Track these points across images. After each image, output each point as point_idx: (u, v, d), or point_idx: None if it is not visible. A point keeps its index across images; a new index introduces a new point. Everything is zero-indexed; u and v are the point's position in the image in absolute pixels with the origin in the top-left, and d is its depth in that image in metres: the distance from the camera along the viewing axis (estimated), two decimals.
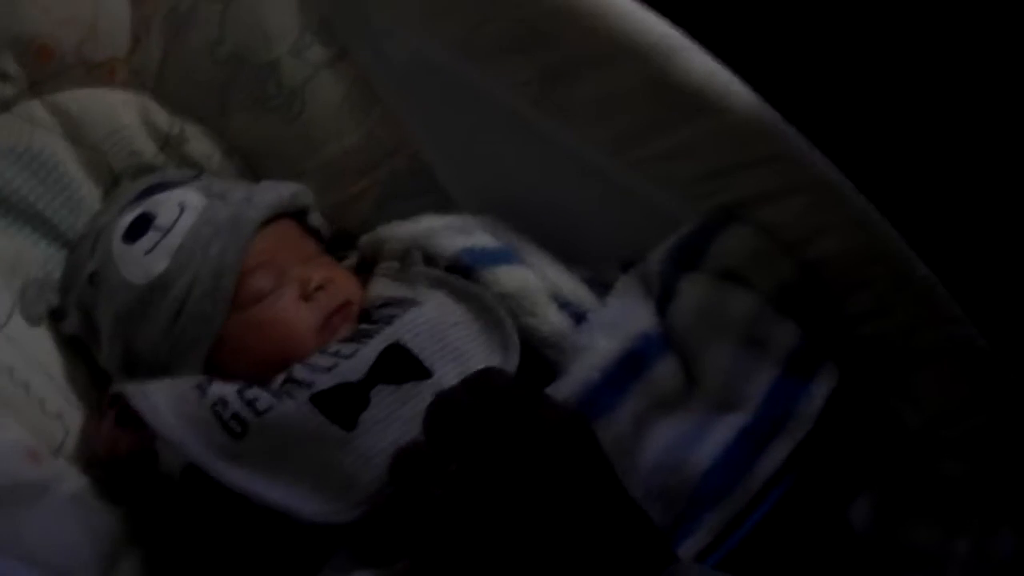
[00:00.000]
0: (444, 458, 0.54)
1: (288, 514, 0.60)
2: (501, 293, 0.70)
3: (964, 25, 0.75)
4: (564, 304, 0.71)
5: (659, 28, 0.67)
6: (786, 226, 0.67)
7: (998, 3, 0.73)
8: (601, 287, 0.73)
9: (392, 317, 0.69)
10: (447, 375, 0.65)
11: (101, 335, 0.73)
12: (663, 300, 0.69)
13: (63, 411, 0.72)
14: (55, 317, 0.76)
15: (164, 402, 0.66)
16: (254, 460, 0.62)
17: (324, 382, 0.64)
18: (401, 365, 0.65)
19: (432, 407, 0.55)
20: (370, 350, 0.66)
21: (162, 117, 0.81)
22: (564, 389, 0.64)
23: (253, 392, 0.65)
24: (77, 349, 0.76)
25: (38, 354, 0.74)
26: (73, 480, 0.68)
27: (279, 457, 0.63)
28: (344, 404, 0.64)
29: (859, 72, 0.80)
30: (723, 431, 0.63)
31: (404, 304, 0.70)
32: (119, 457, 0.67)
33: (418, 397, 0.63)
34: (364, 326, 0.70)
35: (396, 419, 0.62)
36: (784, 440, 0.64)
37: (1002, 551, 0.64)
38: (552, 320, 0.69)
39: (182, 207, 0.73)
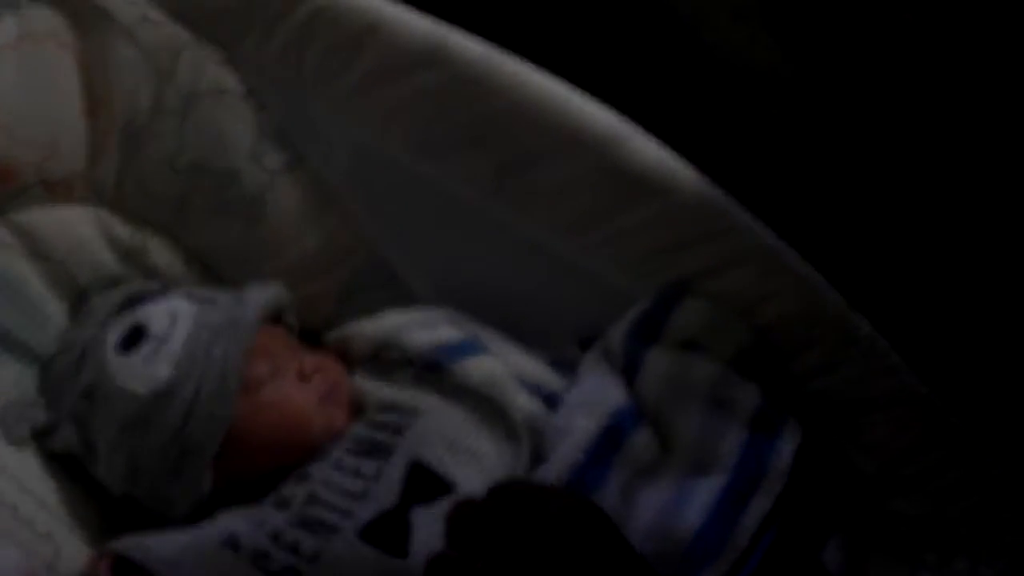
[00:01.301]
0: (470, 559, 0.56)
1: None
2: (472, 384, 0.73)
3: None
4: (532, 388, 0.74)
5: (608, 119, 0.72)
6: (737, 295, 0.71)
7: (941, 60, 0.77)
8: (563, 367, 0.76)
9: (401, 427, 0.72)
10: (469, 480, 0.68)
11: (99, 448, 0.74)
12: (629, 373, 0.72)
13: (52, 530, 0.72)
14: (42, 435, 0.76)
15: (186, 560, 0.67)
16: None
17: (364, 512, 0.67)
18: (427, 484, 0.69)
19: (451, 514, 0.57)
20: (394, 470, 0.69)
21: (122, 229, 0.83)
22: (552, 472, 0.67)
23: (290, 535, 0.67)
24: (61, 464, 0.76)
25: (22, 476, 0.74)
26: None
27: None
28: (391, 533, 0.67)
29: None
30: (706, 492, 0.66)
31: (405, 413, 0.73)
32: None
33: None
34: (370, 432, 0.73)
35: (438, 538, 0.64)
36: (763, 495, 0.67)
37: None
38: (522, 406, 0.72)
39: (173, 315, 0.75)
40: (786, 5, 0.82)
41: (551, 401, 0.73)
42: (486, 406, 0.73)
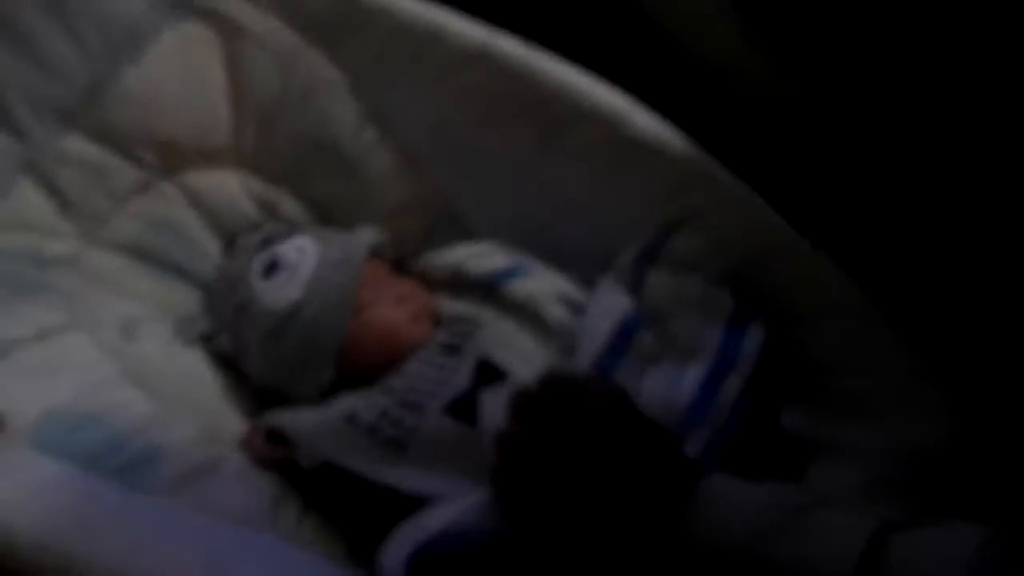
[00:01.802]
0: (531, 434, 0.65)
1: (440, 495, 0.71)
2: (521, 300, 0.83)
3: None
4: (563, 300, 0.83)
5: (616, 97, 0.83)
6: (717, 228, 0.81)
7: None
8: (587, 284, 0.85)
9: (470, 334, 0.82)
10: (520, 370, 0.78)
11: (248, 350, 0.85)
12: (636, 288, 0.81)
13: (218, 407, 0.85)
14: (206, 340, 0.88)
15: (319, 431, 0.77)
16: (415, 464, 0.74)
17: (445, 394, 0.77)
18: (490, 373, 0.79)
19: (512, 399, 0.68)
20: (465, 364, 0.79)
21: (259, 187, 0.93)
22: (581, 362, 0.77)
23: (394, 413, 0.76)
24: (222, 362, 0.88)
25: (194, 368, 0.86)
26: (235, 457, 0.79)
27: (434, 458, 0.74)
28: (465, 409, 0.76)
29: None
30: (694, 374, 0.76)
31: (472, 323, 0.83)
32: (269, 462, 0.80)
33: (507, 391, 0.74)
34: (448, 338, 0.83)
35: (501, 408, 0.72)
36: (737, 376, 0.77)
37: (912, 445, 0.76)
38: (556, 314, 0.82)
39: (302, 251, 0.85)
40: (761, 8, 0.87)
41: (578, 309, 0.82)
42: (529, 316, 0.82)
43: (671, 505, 0.63)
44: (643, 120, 0.83)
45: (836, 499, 0.65)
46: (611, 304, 0.81)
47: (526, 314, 0.83)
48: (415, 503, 0.74)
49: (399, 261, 0.93)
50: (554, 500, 0.65)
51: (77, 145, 0.86)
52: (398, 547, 0.69)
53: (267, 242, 0.88)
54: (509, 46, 0.85)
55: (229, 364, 0.88)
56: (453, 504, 0.72)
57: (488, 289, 0.86)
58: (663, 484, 0.64)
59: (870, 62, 0.81)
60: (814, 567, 0.60)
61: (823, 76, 0.87)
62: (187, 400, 0.83)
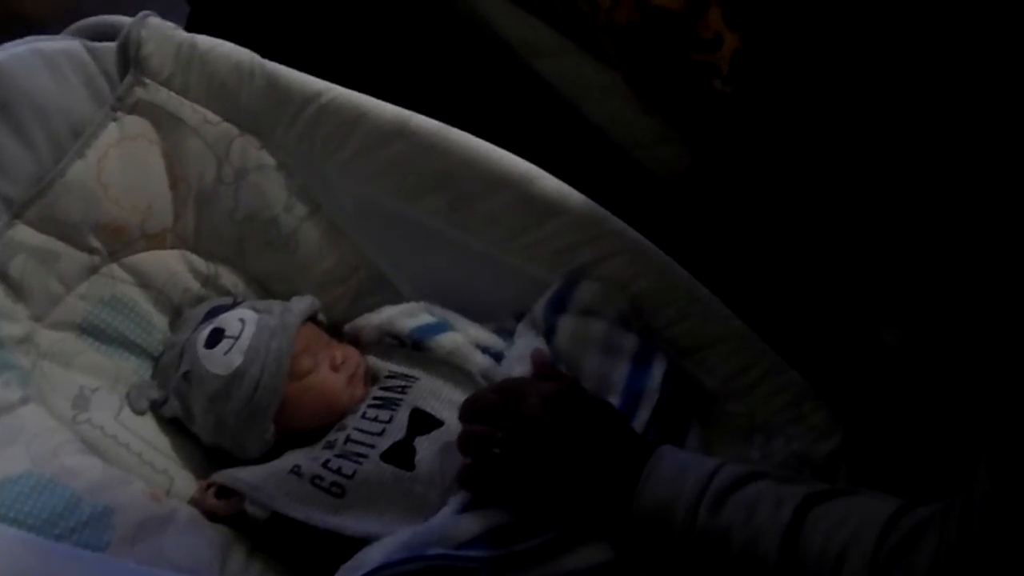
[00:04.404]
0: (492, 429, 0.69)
1: (379, 537, 0.74)
2: (445, 352, 0.86)
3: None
4: (484, 350, 0.87)
5: (522, 163, 0.87)
6: (615, 276, 0.86)
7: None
8: (505, 333, 0.89)
9: (403, 388, 0.85)
10: (452, 419, 0.80)
11: (195, 413, 0.87)
12: (548, 334, 0.86)
13: (167, 467, 0.87)
14: (157, 406, 0.89)
15: (267, 484, 0.79)
16: (356, 508, 0.77)
17: (383, 443, 0.80)
18: (424, 422, 0.82)
19: (466, 402, 0.73)
20: (401, 415, 0.82)
21: (200, 263, 0.96)
22: None
23: (335, 463, 0.79)
24: (172, 426, 0.89)
25: (144, 433, 0.88)
26: (185, 510, 0.81)
27: (372, 501, 0.77)
28: (402, 455, 0.80)
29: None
30: None
31: (405, 379, 0.86)
32: (219, 516, 0.82)
33: (441, 437, 0.80)
34: (384, 393, 0.85)
35: (435, 454, 0.77)
36: (644, 407, 0.81)
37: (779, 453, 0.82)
38: (478, 362, 0.86)
39: (242, 321, 0.87)
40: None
41: (498, 357, 0.86)
42: (455, 367, 0.85)
43: (626, 476, 0.67)
44: (546, 183, 0.87)
45: (770, 471, 0.69)
46: (525, 351, 0.84)
47: (452, 366, 0.86)
48: (357, 543, 0.76)
49: (334, 325, 0.96)
50: (522, 482, 0.69)
51: (26, 235, 0.87)
52: None
53: (211, 314, 0.91)
54: (423, 122, 0.88)
55: (179, 428, 0.90)
56: (387, 540, 0.75)
57: (416, 345, 0.88)
58: (618, 457, 0.68)
59: (749, 138, 0.89)
60: (748, 536, 0.65)
61: (702, 142, 0.95)
62: (139, 462, 0.85)
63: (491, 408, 0.73)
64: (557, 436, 0.70)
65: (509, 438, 0.71)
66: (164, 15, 0.92)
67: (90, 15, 0.93)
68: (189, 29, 0.93)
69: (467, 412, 0.74)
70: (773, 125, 0.88)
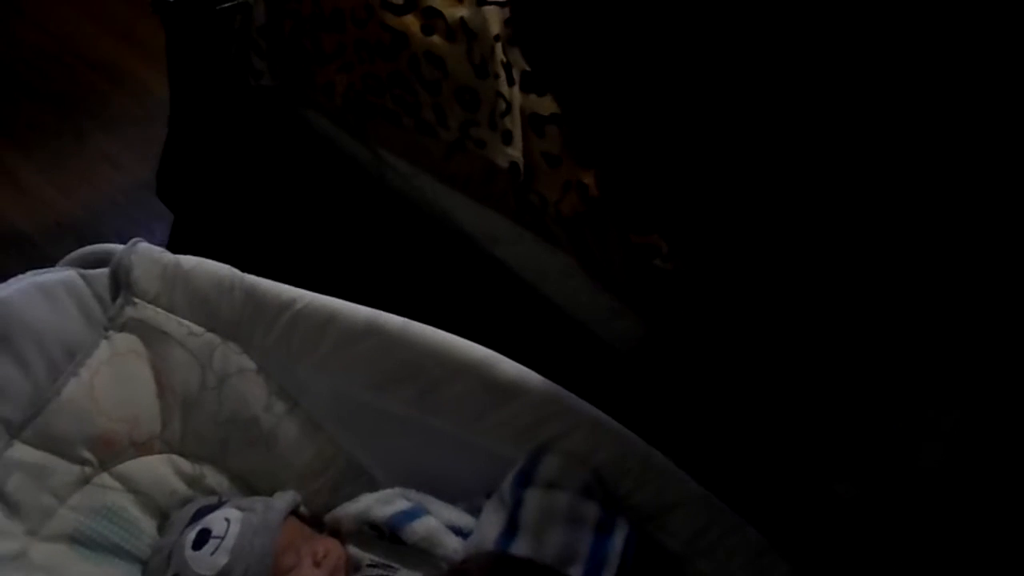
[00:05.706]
0: None
1: None
2: (418, 539, 0.89)
3: None
4: (455, 530, 0.90)
5: (481, 350, 0.92)
6: (576, 449, 0.89)
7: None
8: (477, 512, 0.91)
9: None
10: None
11: None
12: (515, 509, 0.88)
13: None
14: None
15: None
16: None
17: None
18: None
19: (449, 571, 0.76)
20: None
21: (186, 465, 0.98)
22: None
23: None
24: None
25: None
26: None
27: None
28: None
29: None
30: None
31: (385, 568, 0.89)
32: None
33: None
34: None
35: None
36: (608, 573, 0.83)
37: None
38: (449, 544, 0.89)
39: (228, 521, 0.90)
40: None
41: (467, 536, 0.89)
42: (428, 553, 0.89)
43: None
44: (505, 367, 0.92)
45: None
46: (489, 526, 0.89)
47: (424, 555, 0.90)
48: None
49: (315, 516, 0.98)
50: None
51: (23, 453, 0.90)
52: None
53: (198, 515, 0.93)
54: (390, 319, 0.94)
55: None
56: None
57: (392, 535, 0.91)
58: None
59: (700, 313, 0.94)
60: None
61: (652, 315, 1.01)
62: None
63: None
64: None
65: None
66: (146, 223, 0.97)
67: (80, 227, 0.99)
68: (174, 231, 1.00)
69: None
70: (714, 295, 0.92)
